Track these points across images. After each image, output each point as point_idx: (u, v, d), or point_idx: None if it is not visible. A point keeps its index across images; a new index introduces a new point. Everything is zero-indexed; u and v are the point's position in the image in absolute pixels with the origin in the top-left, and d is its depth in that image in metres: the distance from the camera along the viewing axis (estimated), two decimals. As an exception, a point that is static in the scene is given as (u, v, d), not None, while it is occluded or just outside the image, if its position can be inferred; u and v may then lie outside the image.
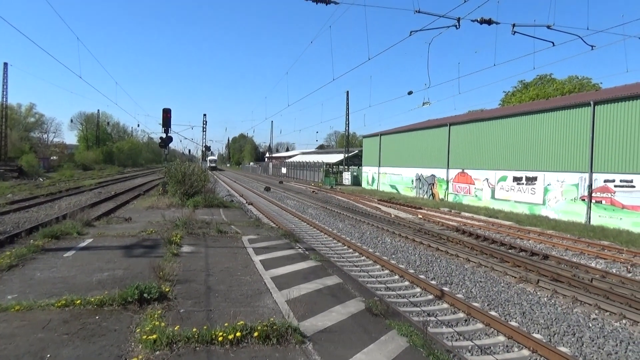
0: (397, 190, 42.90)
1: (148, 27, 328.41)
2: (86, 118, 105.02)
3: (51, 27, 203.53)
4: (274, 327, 5.40)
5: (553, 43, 14.87)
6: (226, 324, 5.47)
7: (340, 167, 62.23)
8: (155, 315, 5.83)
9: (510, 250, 15.67)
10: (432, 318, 8.73)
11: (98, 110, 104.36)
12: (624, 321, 8.97)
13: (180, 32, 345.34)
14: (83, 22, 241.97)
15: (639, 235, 18.39)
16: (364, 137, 54.58)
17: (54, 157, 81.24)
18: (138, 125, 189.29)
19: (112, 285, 7.25)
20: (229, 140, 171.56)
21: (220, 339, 5.15)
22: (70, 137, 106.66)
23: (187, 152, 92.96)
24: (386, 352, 5.30)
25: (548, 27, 13.74)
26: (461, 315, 9.05)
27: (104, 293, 6.65)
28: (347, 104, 60.16)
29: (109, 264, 8.82)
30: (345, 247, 15.91)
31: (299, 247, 12.09)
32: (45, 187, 35.92)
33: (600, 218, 21.72)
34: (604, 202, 21.74)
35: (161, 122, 23.40)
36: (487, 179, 30.26)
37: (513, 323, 8.60)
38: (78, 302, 6.27)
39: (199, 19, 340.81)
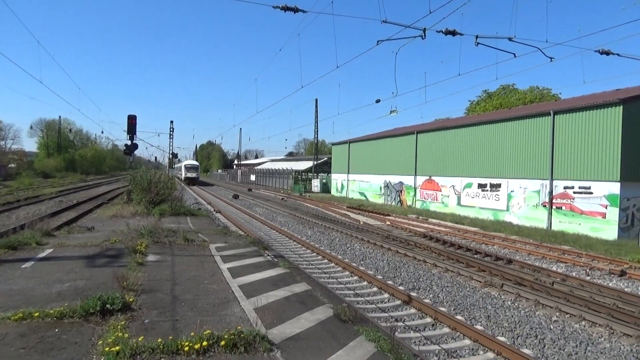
0: (365, 197, 43.27)
1: (112, 32, 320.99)
2: (47, 124, 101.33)
3: (9, 29, 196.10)
4: (242, 335, 5.34)
5: (514, 54, 15.38)
6: (192, 334, 5.37)
7: (310, 174, 62.32)
8: (119, 327, 5.66)
9: (475, 256, 16.01)
10: (400, 323, 8.80)
11: (60, 116, 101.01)
12: (583, 323, 9.29)
13: (146, 38, 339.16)
14: (44, 26, 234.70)
15: (597, 240, 19.16)
16: (333, 144, 54.88)
17: (12, 165, 77.97)
18: (102, 132, 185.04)
19: (73, 296, 7.01)
20: (196, 147, 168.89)
21: (186, 348, 5.05)
22: (30, 144, 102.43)
23: (153, 159, 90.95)
24: (354, 358, 5.32)
25: (509, 39, 14.22)
26: (428, 320, 9.17)
27: (64, 305, 6.41)
28: (316, 111, 60.41)
29: (70, 275, 8.53)
30: (315, 254, 15.90)
31: (268, 255, 12.01)
32: (1, 196, 34.42)
33: (561, 223, 22.52)
34: (564, 208, 22.56)
35: (126, 129, 22.82)
36: (453, 186, 30.91)
37: (478, 327, 8.77)
38: (36, 314, 6.02)
39: (165, 26, 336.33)
